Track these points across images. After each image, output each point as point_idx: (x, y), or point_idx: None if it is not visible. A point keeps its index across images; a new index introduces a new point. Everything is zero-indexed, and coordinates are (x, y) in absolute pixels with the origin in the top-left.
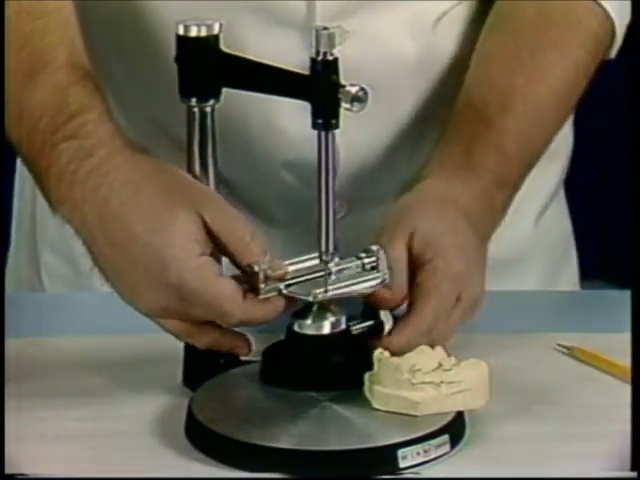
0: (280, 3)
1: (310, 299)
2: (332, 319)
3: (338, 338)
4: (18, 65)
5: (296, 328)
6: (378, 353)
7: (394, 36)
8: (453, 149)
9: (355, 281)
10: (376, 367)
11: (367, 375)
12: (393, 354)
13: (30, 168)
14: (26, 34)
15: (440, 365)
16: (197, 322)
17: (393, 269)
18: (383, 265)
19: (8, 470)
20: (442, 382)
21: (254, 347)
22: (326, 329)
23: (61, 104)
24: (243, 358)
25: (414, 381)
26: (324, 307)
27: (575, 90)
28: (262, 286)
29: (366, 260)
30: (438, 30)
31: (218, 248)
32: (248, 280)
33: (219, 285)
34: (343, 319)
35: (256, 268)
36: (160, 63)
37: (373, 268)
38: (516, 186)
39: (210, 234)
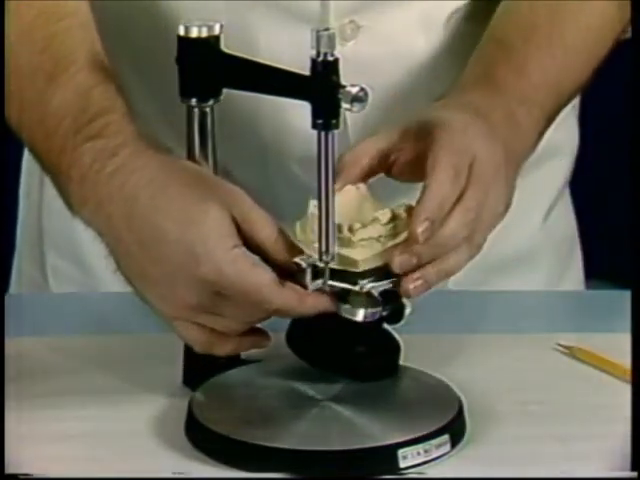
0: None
1: (357, 289)
2: (370, 310)
3: (368, 328)
4: (39, 68)
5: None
6: (313, 207)
7: (406, 33)
8: (473, 72)
9: None
10: (311, 222)
11: (298, 223)
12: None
13: (49, 171)
14: (46, 37)
15: (377, 219)
16: (217, 331)
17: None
18: None
19: (8, 470)
20: (381, 236)
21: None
22: (360, 316)
23: (84, 106)
24: (243, 358)
25: (354, 239)
26: (367, 296)
27: (601, 39)
28: (309, 283)
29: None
30: (450, 28)
31: (246, 246)
32: (295, 276)
33: (257, 274)
34: (379, 311)
35: (304, 264)
36: (171, 62)
37: None
38: (543, 109)
39: (239, 231)
